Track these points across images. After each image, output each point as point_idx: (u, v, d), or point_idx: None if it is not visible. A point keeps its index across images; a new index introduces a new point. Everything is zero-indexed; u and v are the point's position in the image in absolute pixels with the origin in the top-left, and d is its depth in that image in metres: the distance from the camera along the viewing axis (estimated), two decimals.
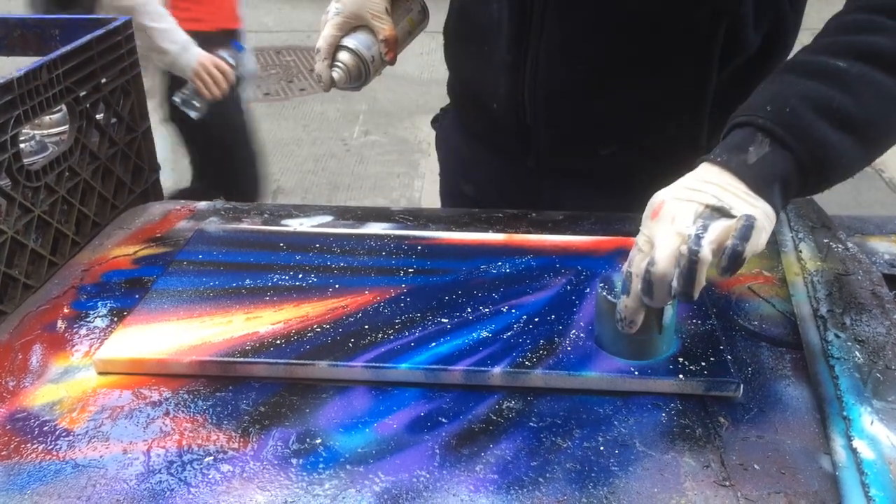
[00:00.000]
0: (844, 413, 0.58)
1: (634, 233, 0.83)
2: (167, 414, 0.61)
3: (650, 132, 0.90)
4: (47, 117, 1.03)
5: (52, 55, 0.79)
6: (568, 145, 0.93)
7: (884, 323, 0.67)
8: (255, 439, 0.58)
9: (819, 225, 0.83)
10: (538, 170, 0.96)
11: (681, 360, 0.64)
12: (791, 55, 0.73)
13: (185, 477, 0.55)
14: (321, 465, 0.56)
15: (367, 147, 3.40)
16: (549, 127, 0.91)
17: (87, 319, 0.73)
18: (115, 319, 0.73)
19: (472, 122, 1.03)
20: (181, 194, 2.09)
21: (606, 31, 0.84)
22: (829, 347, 0.64)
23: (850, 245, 0.79)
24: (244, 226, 0.89)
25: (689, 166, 0.64)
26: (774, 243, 0.83)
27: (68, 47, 0.82)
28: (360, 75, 0.85)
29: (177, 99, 1.88)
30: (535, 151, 0.94)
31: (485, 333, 0.67)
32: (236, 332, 0.68)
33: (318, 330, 0.68)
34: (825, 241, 0.79)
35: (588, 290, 0.73)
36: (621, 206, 0.92)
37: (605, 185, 0.95)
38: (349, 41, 0.85)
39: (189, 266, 0.78)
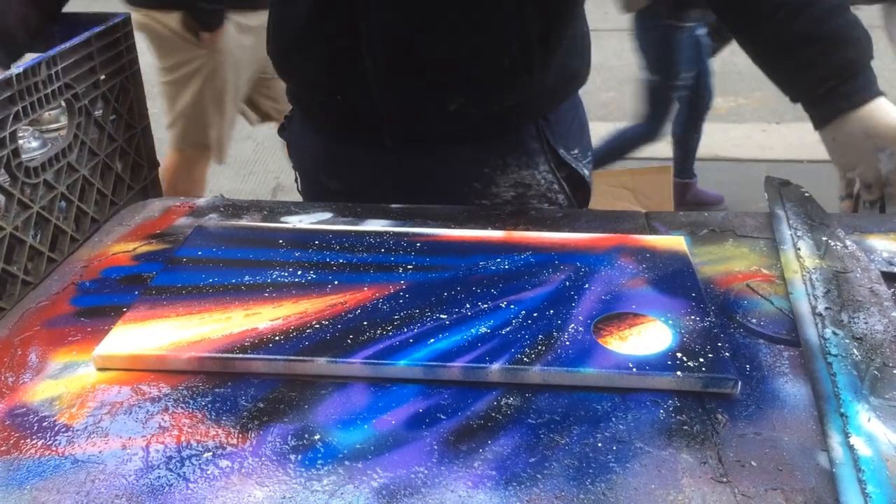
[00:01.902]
0: (842, 410, 0.58)
1: (632, 230, 0.84)
2: (166, 410, 0.61)
3: (488, 71, 0.92)
4: (46, 113, 1.03)
5: (52, 51, 0.79)
6: (418, 109, 0.94)
7: (881, 320, 0.67)
8: (253, 435, 0.58)
9: (818, 223, 0.83)
10: (396, 147, 0.97)
11: (679, 356, 0.64)
12: None
13: (184, 472, 0.55)
14: (319, 461, 0.56)
15: None
16: (396, 95, 0.92)
17: (87, 315, 0.73)
18: (115, 315, 0.73)
19: (322, 122, 1.03)
20: None
21: None
22: (827, 345, 0.65)
23: (848, 243, 0.79)
24: (243, 222, 0.89)
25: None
26: (773, 241, 0.83)
27: (67, 44, 0.82)
28: None
29: None
30: (388, 128, 0.95)
31: (483, 329, 0.67)
32: (235, 329, 0.68)
33: (317, 326, 0.68)
34: (824, 238, 0.80)
35: (587, 286, 0.74)
36: (483, 169, 0.96)
37: (463, 149, 0.97)
38: None
39: (188, 262, 0.78)
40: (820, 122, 0.88)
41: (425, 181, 0.98)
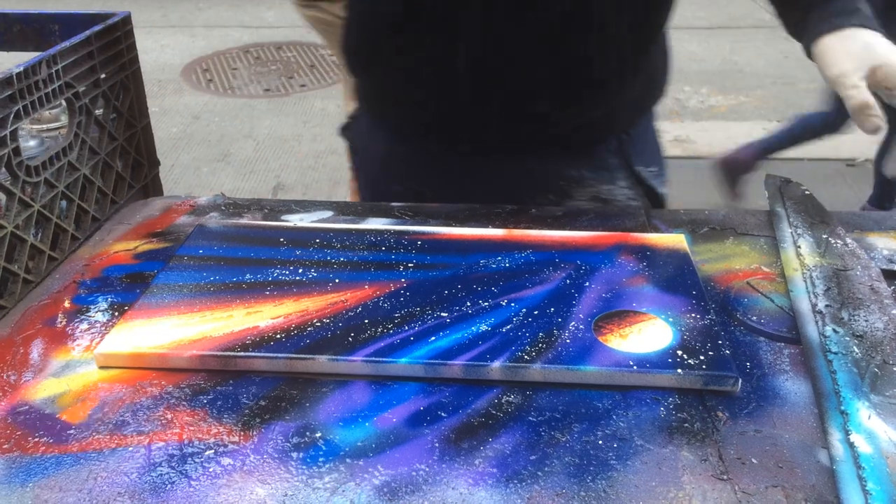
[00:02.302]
0: (842, 408, 0.58)
1: (633, 228, 0.84)
2: (168, 408, 0.61)
3: (580, 79, 0.91)
4: (46, 112, 1.03)
5: (52, 50, 0.79)
6: (504, 113, 0.93)
7: (882, 318, 0.67)
8: (255, 433, 0.59)
9: (818, 221, 0.83)
10: (473, 153, 0.96)
11: (680, 354, 0.64)
12: None
13: (186, 470, 0.55)
14: (321, 459, 0.56)
15: None
16: (483, 98, 0.91)
17: (88, 314, 0.73)
18: (116, 314, 0.73)
19: (396, 123, 1.02)
20: None
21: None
22: (827, 342, 0.65)
23: (848, 241, 0.79)
24: (244, 221, 0.89)
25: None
26: (774, 239, 0.83)
27: (67, 43, 0.82)
28: None
29: None
30: (469, 132, 0.94)
31: (484, 327, 0.68)
32: (237, 327, 0.68)
33: (318, 324, 0.68)
34: (824, 236, 0.80)
35: (587, 284, 0.74)
36: (559, 181, 0.94)
37: (540, 159, 0.96)
38: None
39: (190, 261, 0.78)
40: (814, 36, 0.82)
41: (498, 190, 0.96)
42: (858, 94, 0.75)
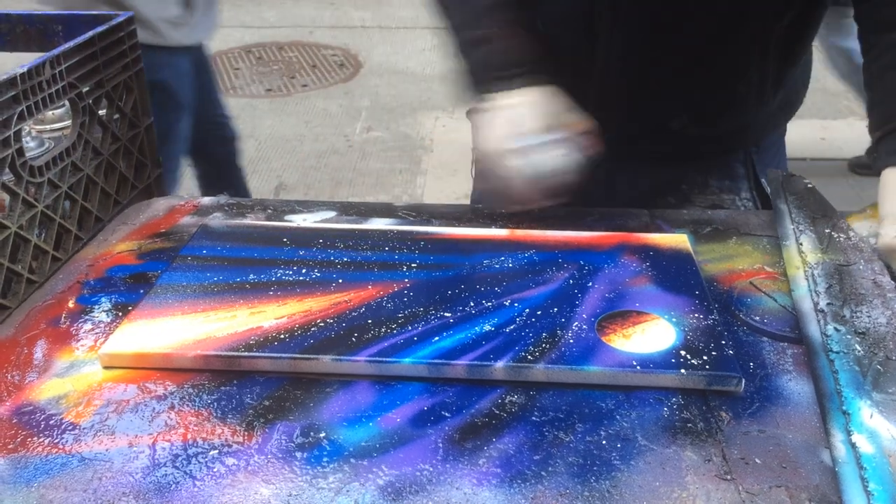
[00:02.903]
0: (844, 408, 0.58)
1: (636, 228, 0.84)
2: (172, 408, 0.61)
3: (720, 98, 0.90)
4: (49, 113, 1.03)
5: (55, 51, 0.80)
6: (638, 125, 0.92)
7: (885, 313, 0.67)
8: (259, 433, 0.59)
9: (820, 215, 0.83)
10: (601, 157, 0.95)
11: (683, 354, 0.64)
12: None
13: (191, 470, 0.55)
14: (325, 459, 0.56)
15: (370, 143, 3.40)
16: (619, 108, 0.90)
17: (92, 314, 0.73)
18: (120, 314, 0.73)
19: None
20: None
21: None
22: (829, 341, 0.65)
23: (851, 234, 0.79)
24: (248, 221, 0.89)
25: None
26: (776, 238, 0.83)
27: (71, 43, 0.82)
28: None
29: None
30: (600, 138, 0.94)
31: (487, 327, 0.68)
32: (240, 327, 0.68)
33: (322, 324, 0.68)
34: (826, 230, 0.79)
35: (590, 284, 0.74)
36: (682, 185, 0.93)
37: (663, 161, 0.95)
38: None
39: (193, 261, 0.78)
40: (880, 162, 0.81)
41: (618, 191, 0.96)
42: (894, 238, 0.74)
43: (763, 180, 0.99)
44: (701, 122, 0.92)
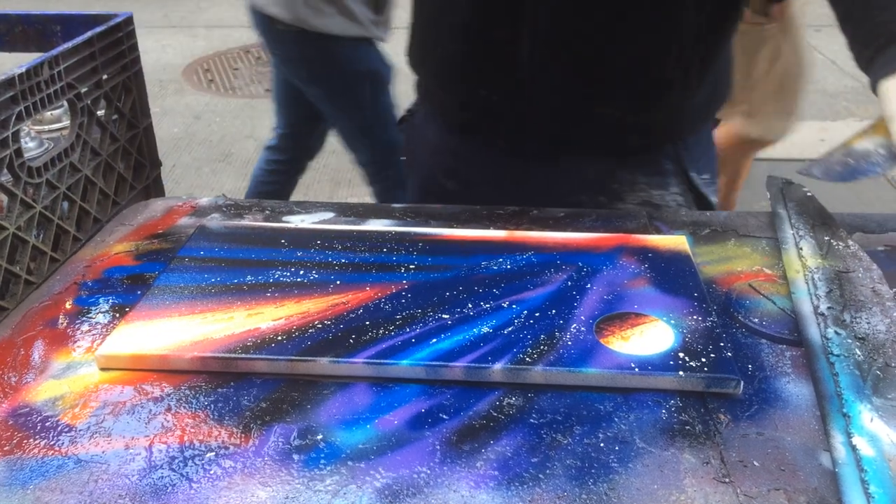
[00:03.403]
0: (844, 410, 0.58)
1: (634, 230, 0.84)
2: (169, 410, 0.61)
3: (646, 77, 0.90)
4: (48, 113, 1.03)
5: (54, 51, 0.79)
6: (566, 111, 0.92)
7: (884, 321, 0.67)
8: (256, 435, 0.59)
9: (820, 223, 0.83)
10: (530, 152, 0.95)
11: (681, 356, 0.64)
12: None
13: (187, 472, 0.55)
14: (322, 461, 0.56)
15: None
16: (547, 93, 0.90)
17: (89, 315, 0.73)
18: (117, 315, 0.73)
19: (455, 120, 1.01)
20: None
21: None
22: (830, 344, 0.65)
23: (850, 243, 0.79)
24: (246, 222, 0.89)
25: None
26: (775, 240, 0.83)
27: (69, 44, 0.82)
28: None
29: None
30: (530, 129, 0.93)
31: (485, 329, 0.67)
32: (238, 329, 0.68)
33: (320, 326, 0.68)
34: (826, 238, 0.80)
35: (588, 286, 0.74)
36: (612, 184, 0.93)
37: (595, 161, 0.95)
38: None
39: (191, 262, 0.78)
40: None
41: (550, 191, 0.96)
42: None
43: (693, 175, 0.99)
44: (632, 107, 0.92)
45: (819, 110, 3.51)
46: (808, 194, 0.89)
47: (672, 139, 0.96)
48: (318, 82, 2.04)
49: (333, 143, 3.39)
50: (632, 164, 0.96)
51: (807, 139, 3.14)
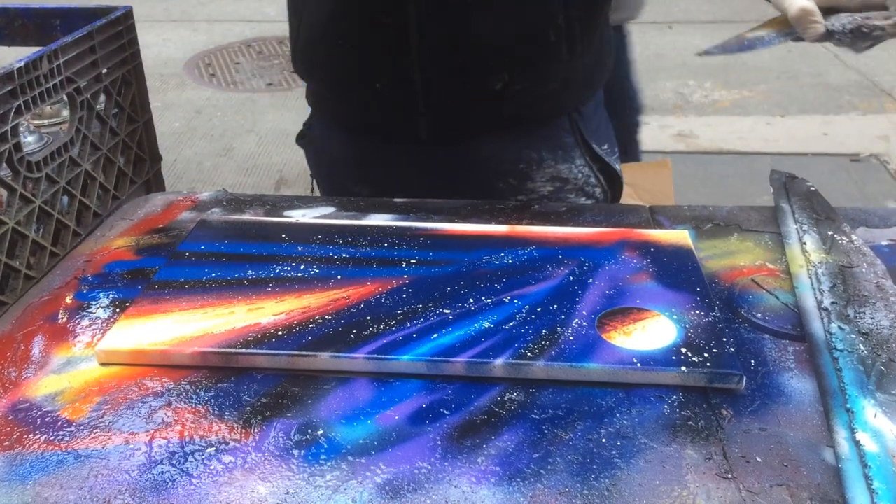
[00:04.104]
0: (848, 405, 0.58)
1: (636, 225, 0.84)
2: (169, 405, 0.61)
3: (534, 47, 0.92)
4: (47, 108, 1.03)
5: (53, 45, 0.79)
6: (460, 91, 0.93)
7: (888, 316, 0.67)
8: (256, 430, 0.58)
9: (823, 217, 0.82)
10: (431, 140, 0.96)
11: (684, 351, 0.64)
12: None
13: (187, 468, 0.55)
14: (323, 457, 0.56)
15: None
16: (439, 74, 0.91)
17: (90, 310, 0.73)
18: (118, 310, 0.73)
19: (352, 118, 1.01)
20: None
21: None
22: (833, 339, 0.64)
23: (854, 237, 0.78)
24: (246, 217, 0.89)
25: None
26: (778, 235, 0.83)
27: (69, 37, 0.81)
28: None
29: None
30: (426, 115, 0.94)
31: (487, 324, 0.67)
32: (238, 323, 0.68)
33: (320, 321, 0.68)
34: (829, 233, 0.79)
35: (590, 280, 0.73)
36: (519, 164, 0.96)
37: (498, 142, 0.96)
38: None
39: (191, 257, 0.78)
40: None
41: (460, 179, 0.97)
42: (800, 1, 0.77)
43: (594, 146, 1.00)
44: (521, 79, 0.93)
45: (822, 104, 3.50)
46: (811, 188, 0.89)
47: (566, 109, 0.98)
48: None
49: None
50: (535, 143, 0.97)
51: (810, 133, 3.13)
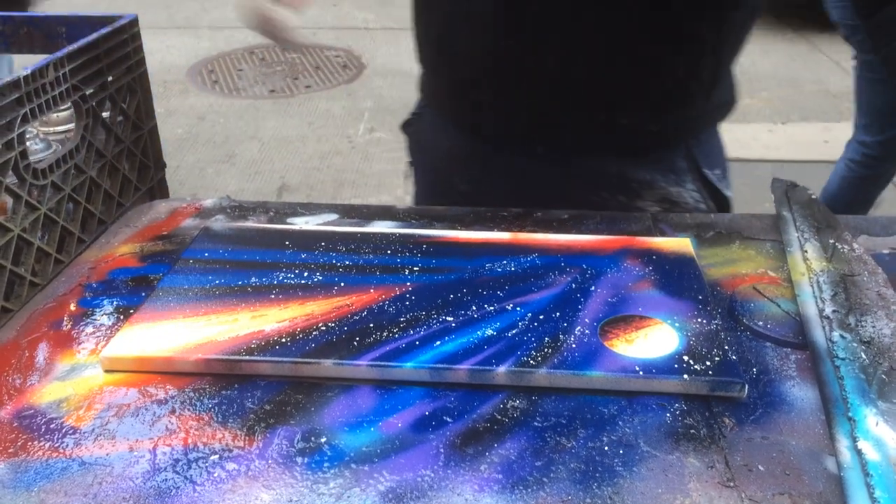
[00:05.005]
0: (850, 414, 0.58)
1: (638, 232, 0.84)
2: (173, 412, 0.61)
3: (665, 86, 0.92)
4: (53, 115, 1.03)
5: (59, 53, 0.80)
6: (588, 122, 0.93)
7: (889, 325, 0.67)
8: (260, 438, 0.59)
9: (824, 225, 0.83)
10: (547, 155, 0.95)
11: (686, 359, 0.64)
12: None
13: (191, 475, 0.55)
14: (326, 464, 0.56)
15: (373, 144, 3.41)
16: (567, 105, 0.91)
17: (94, 317, 0.73)
18: (122, 317, 0.73)
19: (468, 122, 1.01)
20: None
21: None
22: (835, 348, 0.64)
23: (855, 246, 0.79)
24: (250, 224, 0.89)
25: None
26: (780, 243, 0.83)
27: (75, 45, 0.82)
28: None
29: None
30: (549, 136, 0.94)
31: (490, 332, 0.67)
32: (242, 331, 0.68)
33: (324, 328, 0.68)
34: (831, 241, 0.79)
35: (593, 288, 0.73)
36: (631, 183, 0.95)
37: (611, 161, 0.96)
38: None
39: (195, 264, 0.78)
40: None
41: (567, 192, 0.97)
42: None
43: (706, 170, 1.00)
44: (651, 118, 0.93)
45: (823, 111, 3.50)
46: (813, 196, 0.89)
47: (685, 139, 0.98)
48: None
49: (337, 144, 3.39)
50: (647, 166, 0.97)
51: (811, 140, 3.13)
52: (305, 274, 0.76)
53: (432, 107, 1.06)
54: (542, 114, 0.93)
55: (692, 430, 0.59)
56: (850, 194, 2.37)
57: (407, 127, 1.12)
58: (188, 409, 0.61)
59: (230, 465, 0.56)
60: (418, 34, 1.01)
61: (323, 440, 0.58)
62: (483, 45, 0.93)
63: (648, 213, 0.92)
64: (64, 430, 0.59)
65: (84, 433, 0.59)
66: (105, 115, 0.89)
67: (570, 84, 0.90)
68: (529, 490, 0.54)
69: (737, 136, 3.41)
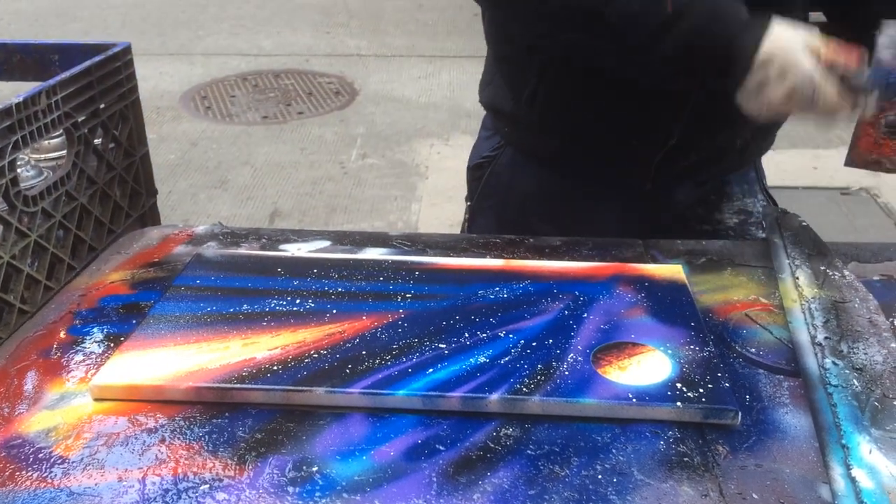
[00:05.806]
0: (843, 441, 0.58)
1: (630, 259, 0.84)
2: (163, 441, 0.60)
3: (759, 139, 1.01)
4: (45, 142, 1.03)
5: (52, 81, 0.80)
6: (706, 148, 0.96)
7: (881, 351, 0.67)
8: (251, 467, 0.58)
9: (815, 252, 0.83)
10: (652, 186, 0.97)
11: (679, 386, 0.64)
12: None
13: None
14: (318, 494, 0.55)
15: (365, 170, 3.41)
16: (692, 134, 0.93)
17: (84, 345, 0.72)
18: (112, 345, 0.72)
19: (565, 163, 1.00)
20: None
21: None
22: (827, 375, 0.64)
23: (846, 272, 0.79)
24: (242, 251, 0.89)
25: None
26: (771, 270, 0.83)
27: (67, 73, 0.82)
28: None
29: None
30: (662, 168, 0.96)
31: (482, 359, 0.67)
32: (233, 358, 0.67)
33: (316, 356, 0.68)
34: (822, 268, 0.80)
35: (585, 315, 0.73)
36: (710, 196, 1.02)
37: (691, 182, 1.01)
38: None
39: (186, 291, 0.78)
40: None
41: (653, 214, 0.99)
42: None
43: (765, 181, 1.06)
44: (758, 136, 1.00)
45: (812, 138, 3.53)
46: (804, 224, 0.89)
47: (758, 156, 1.05)
48: None
49: (330, 170, 3.40)
50: (727, 178, 1.02)
51: (800, 167, 3.15)
52: (297, 301, 0.76)
53: (517, 149, 1.03)
54: (660, 157, 0.95)
55: (686, 458, 0.59)
56: None
57: (476, 171, 1.08)
58: (178, 438, 0.61)
59: (220, 496, 0.55)
60: (530, 87, 0.97)
61: (314, 469, 0.58)
62: (614, 107, 0.92)
63: (640, 242, 0.92)
64: (52, 460, 0.59)
65: (73, 463, 0.58)
66: (97, 141, 0.89)
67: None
68: None
69: None
